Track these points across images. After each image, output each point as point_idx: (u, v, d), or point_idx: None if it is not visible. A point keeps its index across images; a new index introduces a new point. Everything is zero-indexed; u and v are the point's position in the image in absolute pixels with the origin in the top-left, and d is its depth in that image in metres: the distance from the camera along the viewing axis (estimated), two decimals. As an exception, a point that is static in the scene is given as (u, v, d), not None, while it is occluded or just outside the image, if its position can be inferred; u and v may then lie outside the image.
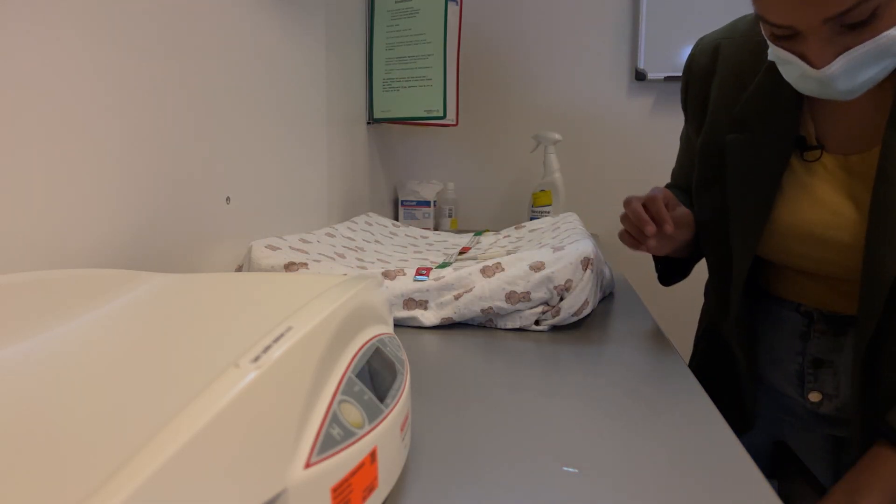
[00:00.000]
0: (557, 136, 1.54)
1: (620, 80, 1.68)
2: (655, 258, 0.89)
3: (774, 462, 0.81)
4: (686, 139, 0.90)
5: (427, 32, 1.33)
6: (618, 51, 1.67)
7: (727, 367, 0.80)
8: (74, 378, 0.26)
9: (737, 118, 0.72)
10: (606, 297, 0.85)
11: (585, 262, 0.70)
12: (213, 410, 0.21)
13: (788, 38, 0.58)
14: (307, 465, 0.25)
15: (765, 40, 0.63)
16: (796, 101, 0.68)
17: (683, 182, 0.91)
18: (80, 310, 0.36)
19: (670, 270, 0.90)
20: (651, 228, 0.68)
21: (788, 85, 0.65)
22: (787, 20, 0.55)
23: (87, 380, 0.26)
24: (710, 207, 0.77)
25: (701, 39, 0.82)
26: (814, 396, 0.74)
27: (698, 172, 0.79)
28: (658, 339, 0.67)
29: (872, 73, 0.57)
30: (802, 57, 0.58)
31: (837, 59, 0.55)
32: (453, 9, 1.41)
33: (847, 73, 0.57)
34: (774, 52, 0.61)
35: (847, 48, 0.55)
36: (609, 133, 1.69)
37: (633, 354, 0.61)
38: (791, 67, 0.60)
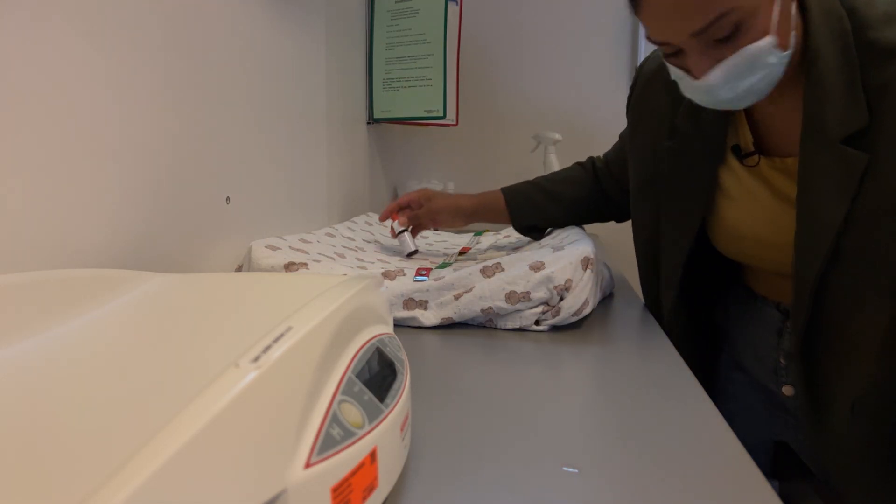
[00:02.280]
0: (557, 136, 1.54)
1: (620, 80, 1.68)
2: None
3: (775, 462, 0.81)
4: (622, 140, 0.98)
5: (427, 32, 1.33)
6: (618, 51, 1.67)
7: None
8: (74, 378, 0.26)
9: (671, 127, 0.77)
10: (606, 297, 0.85)
11: (585, 262, 0.70)
12: (213, 410, 0.21)
13: (675, 55, 0.62)
14: (307, 465, 0.25)
15: None
16: (724, 112, 0.72)
17: (613, 169, 0.97)
18: (80, 310, 0.36)
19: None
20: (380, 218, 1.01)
21: None
22: (662, 37, 0.60)
23: (88, 379, 0.26)
24: (646, 210, 0.83)
25: (650, 55, 0.87)
26: (787, 390, 0.76)
27: (635, 177, 0.85)
28: (658, 338, 0.67)
29: (753, 82, 0.60)
30: (687, 71, 0.62)
31: (713, 70, 0.59)
32: (453, 9, 1.41)
33: (727, 83, 0.60)
34: (671, 71, 0.65)
35: (720, 59, 0.59)
36: (609, 133, 1.69)
37: (633, 354, 0.61)
38: (681, 81, 0.65)
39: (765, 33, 0.58)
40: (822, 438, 0.69)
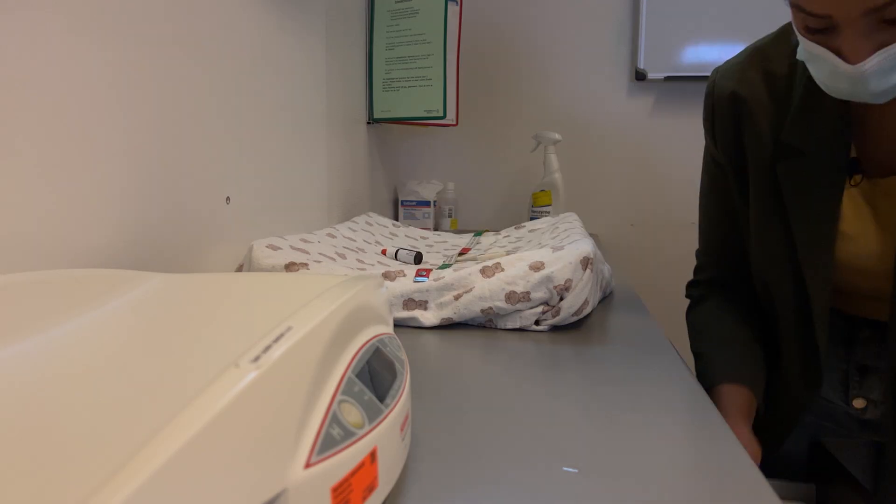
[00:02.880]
0: (557, 136, 1.54)
1: (620, 80, 1.68)
2: None
3: (811, 465, 0.79)
4: (712, 185, 0.83)
5: (427, 32, 1.33)
6: (618, 51, 1.67)
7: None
8: (74, 378, 0.26)
9: (783, 143, 0.68)
10: (606, 297, 0.85)
11: (585, 262, 0.70)
12: (212, 410, 0.21)
13: (823, 32, 0.55)
14: (307, 465, 0.25)
15: (793, 56, 0.60)
16: (845, 118, 0.64)
17: (716, 245, 0.84)
18: (80, 310, 0.36)
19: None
20: None
21: (833, 101, 0.62)
22: (827, 9, 0.53)
23: (87, 379, 0.26)
24: (773, 242, 0.71)
25: (718, 68, 0.78)
26: (858, 403, 0.73)
27: (754, 211, 0.73)
28: (658, 339, 0.67)
29: None
30: (837, 52, 0.55)
31: (873, 56, 0.52)
32: (453, 9, 1.41)
33: (882, 72, 0.54)
34: (805, 48, 0.58)
35: (884, 45, 0.52)
36: (609, 133, 1.69)
37: (633, 354, 0.61)
38: (822, 64, 0.57)
39: None
40: None
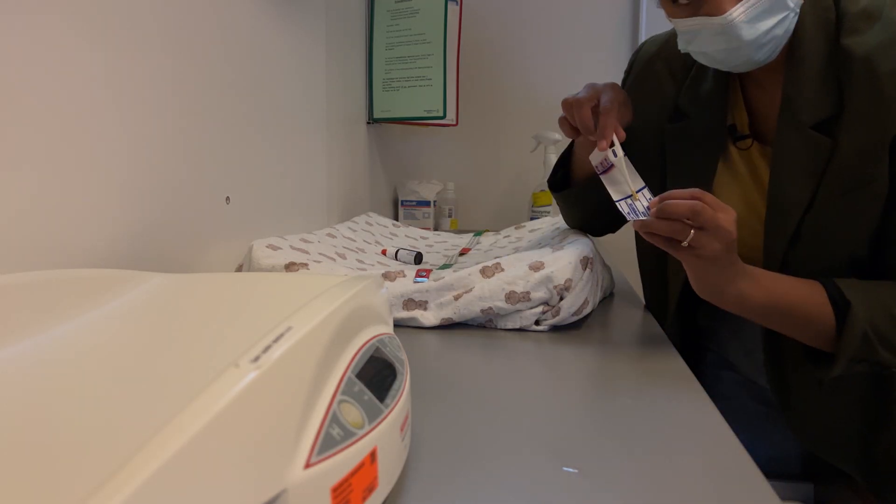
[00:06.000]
0: (557, 136, 1.54)
1: (620, 80, 1.68)
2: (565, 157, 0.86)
3: (806, 465, 0.80)
4: None
5: (427, 32, 1.33)
6: (618, 51, 1.67)
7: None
8: (74, 378, 0.26)
9: (674, 109, 0.77)
10: (606, 297, 0.85)
11: (585, 262, 0.70)
12: (213, 410, 0.21)
13: (691, 5, 0.62)
14: (307, 466, 0.25)
15: None
16: (724, 88, 0.73)
17: None
18: (80, 310, 0.36)
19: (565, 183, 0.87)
20: (602, 144, 0.67)
21: (717, 73, 0.71)
22: None
23: (87, 379, 0.26)
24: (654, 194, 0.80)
25: (651, 37, 0.87)
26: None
27: (637, 158, 0.81)
28: (658, 339, 0.67)
29: (771, 24, 0.61)
30: (707, 15, 0.61)
31: (738, 6, 0.60)
32: (453, 9, 1.41)
33: (749, 22, 0.60)
34: (681, 30, 0.65)
35: None
36: (609, 133, 1.69)
37: (633, 354, 0.61)
38: (699, 35, 0.63)
39: None
40: (795, 417, 0.72)
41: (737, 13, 0.60)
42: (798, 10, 0.62)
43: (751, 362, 0.80)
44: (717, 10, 0.60)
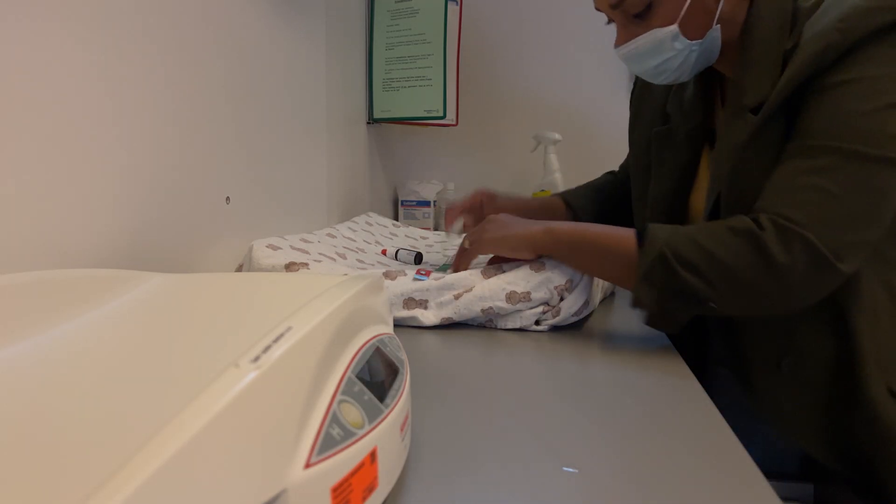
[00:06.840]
0: (557, 136, 1.54)
1: (620, 80, 1.68)
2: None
3: (805, 464, 0.80)
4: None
5: (427, 32, 1.33)
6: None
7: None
8: (74, 378, 0.26)
9: (663, 114, 0.82)
10: (606, 297, 0.85)
11: (585, 262, 0.70)
12: (213, 410, 0.21)
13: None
14: (307, 466, 0.25)
15: None
16: (704, 93, 0.76)
17: (621, 175, 1.01)
18: (80, 310, 0.36)
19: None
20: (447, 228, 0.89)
21: (696, 81, 0.75)
22: (596, 4, 0.69)
23: (87, 380, 0.26)
24: (637, 190, 0.86)
25: None
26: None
27: (634, 160, 0.89)
28: (658, 339, 0.67)
29: (658, 62, 0.67)
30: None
31: (625, 45, 0.67)
32: (453, 9, 1.41)
33: (632, 58, 0.68)
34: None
35: (635, 35, 0.66)
36: (609, 133, 1.69)
37: (633, 355, 0.61)
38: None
39: (673, 21, 0.64)
40: (758, 400, 0.73)
41: (622, 52, 0.68)
42: (696, 49, 0.65)
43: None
44: (616, 43, 0.69)
